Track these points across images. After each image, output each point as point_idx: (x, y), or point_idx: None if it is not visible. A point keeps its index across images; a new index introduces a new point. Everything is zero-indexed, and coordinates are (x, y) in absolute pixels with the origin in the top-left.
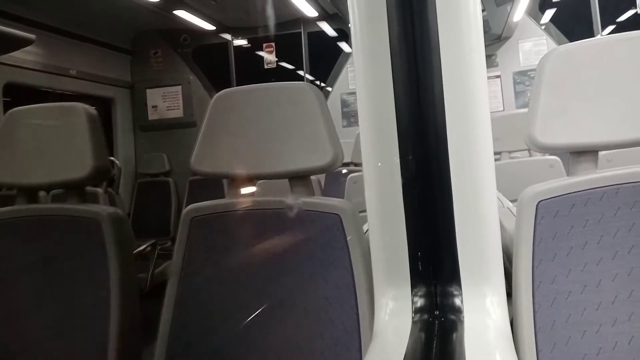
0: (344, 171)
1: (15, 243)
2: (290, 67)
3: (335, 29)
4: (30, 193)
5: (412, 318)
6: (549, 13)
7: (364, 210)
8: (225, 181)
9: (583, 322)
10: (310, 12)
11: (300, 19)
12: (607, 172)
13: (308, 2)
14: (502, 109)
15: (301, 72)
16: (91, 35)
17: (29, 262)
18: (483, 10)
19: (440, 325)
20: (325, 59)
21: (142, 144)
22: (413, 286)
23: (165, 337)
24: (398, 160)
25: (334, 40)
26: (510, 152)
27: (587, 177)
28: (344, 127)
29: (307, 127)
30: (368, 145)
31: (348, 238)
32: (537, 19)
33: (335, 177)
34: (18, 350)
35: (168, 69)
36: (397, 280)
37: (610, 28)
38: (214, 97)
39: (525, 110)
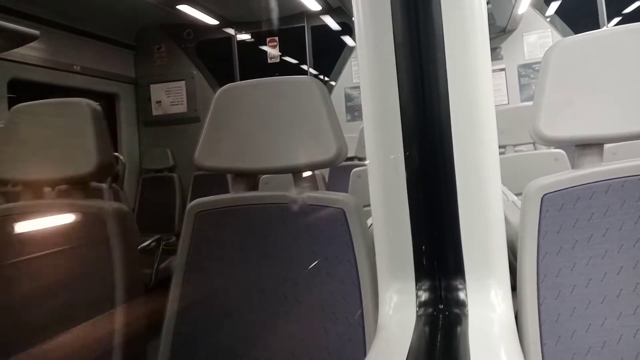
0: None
1: (20, 238)
2: (293, 61)
3: (339, 23)
4: (35, 189)
5: (417, 312)
6: (554, 5)
7: (368, 205)
8: (229, 176)
9: (588, 315)
10: (314, 5)
11: (304, 13)
12: (613, 164)
13: None
14: (506, 102)
15: (305, 66)
16: (95, 31)
17: (34, 257)
18: (488, 3)
19: (445, 318)
20: (329, 53)
21: (146, 140)
22: (417, 280)
23: (170, 331)
24: (402, 154)
25: (338, 34)
26: (515, 145)
27: (592, 170)
28: (347, 121)
29: (311, 122)
30: (372, 140)
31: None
32: (542, 11)
33: (339, 171)
34: (20, 344)
35: (171, 64)
36: (401, 274)
37: (616, 20)
38: (218, 92)
39: (530, 103)
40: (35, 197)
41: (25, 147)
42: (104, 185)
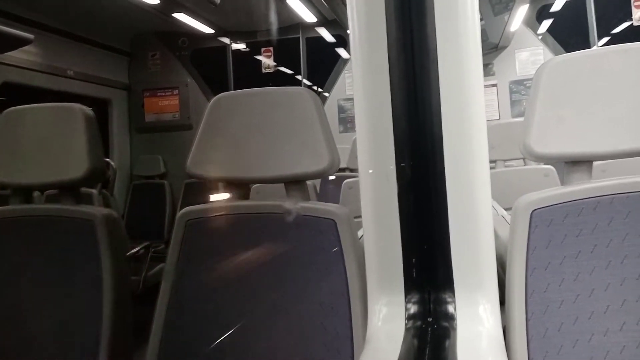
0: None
1: (8, 243)
2: (288, 71)
3: (333, 35)
4: (24, 193)
5: (405, 324)
6: (546, 23)
7: (359, 216)
8: (221, 185)
9: (575, 331)
10: (309, 17)
11: (299, 25)
12: (602, 182)
13: (307, 7)
14: (498, 117)
15: (299, 77)
16: (90, 36)
17: (23, 262)
18: (481, 20)
19: (433, 332)
20: (323, 65)
21: (138, 146)
22: (406, 293)
23: (157, 339)
24: (394, 167)
25: (332, 46)
26: (505, 160)
27: (581, 186)
28: (340, 132)
29: (304, 132)
30: (364, 151)
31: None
32: (534, 29)
33: (331, 182)
34: (10, 349)
35: (166, 71)
36: (390, 287)
37: (605, 39)
38: (212, 100)
39: (520, 119)
40: (24, 201)
41: (15, 150)
42: (94, 191)
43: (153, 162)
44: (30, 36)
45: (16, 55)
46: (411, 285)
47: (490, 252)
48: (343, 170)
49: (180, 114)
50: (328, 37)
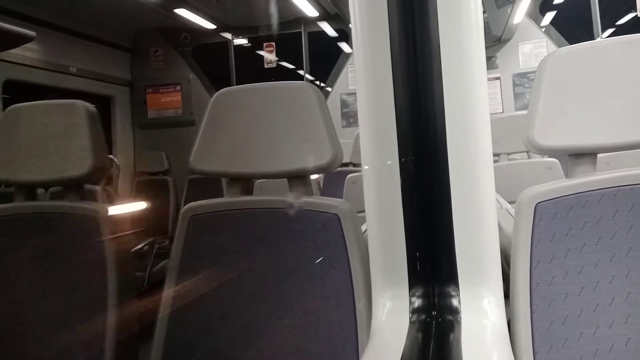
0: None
1: (13, 240)
2: (290, 66)
3: (335, 29)
4: (28, 190)
5: (410, 318)
6: (549, 15)
7: (363, 211)
8: (224, 180)
9: (580, 324)
10: (311, 12)
11: (301, 19)
12: (606, 174)
13: (309, 2)
14: (501, 110)
15: (301, 72)
16: (92, 33)
17: (27, 259)
18: (484, 12)
19: (438, 325)
20: (325, 59)
21: (141, 142)
22: (411, 286)
23: (162, 335)
24: (397, 161)
25: (335, 40)
26: (509, 153)
27: (585, 179)
28: (343, 127)
29: (307, 127)
30: (368, 146)
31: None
32: (538, 21)
33: (334, 177)
34: (15, 346)
35: (168, 67)
36: (394, 281)
37: (610, 31)
38: (214, 96)
39: (524, 112)
40: (28, 198)
41: (19, 147)
42: (98, 188)
43: (156, 159)
44: (32, 33)
45: (18, 53)
46: (415, 279)
47: (495, 245)
48: (346, 164)
49: (182, 110)
50: (330, 31)
